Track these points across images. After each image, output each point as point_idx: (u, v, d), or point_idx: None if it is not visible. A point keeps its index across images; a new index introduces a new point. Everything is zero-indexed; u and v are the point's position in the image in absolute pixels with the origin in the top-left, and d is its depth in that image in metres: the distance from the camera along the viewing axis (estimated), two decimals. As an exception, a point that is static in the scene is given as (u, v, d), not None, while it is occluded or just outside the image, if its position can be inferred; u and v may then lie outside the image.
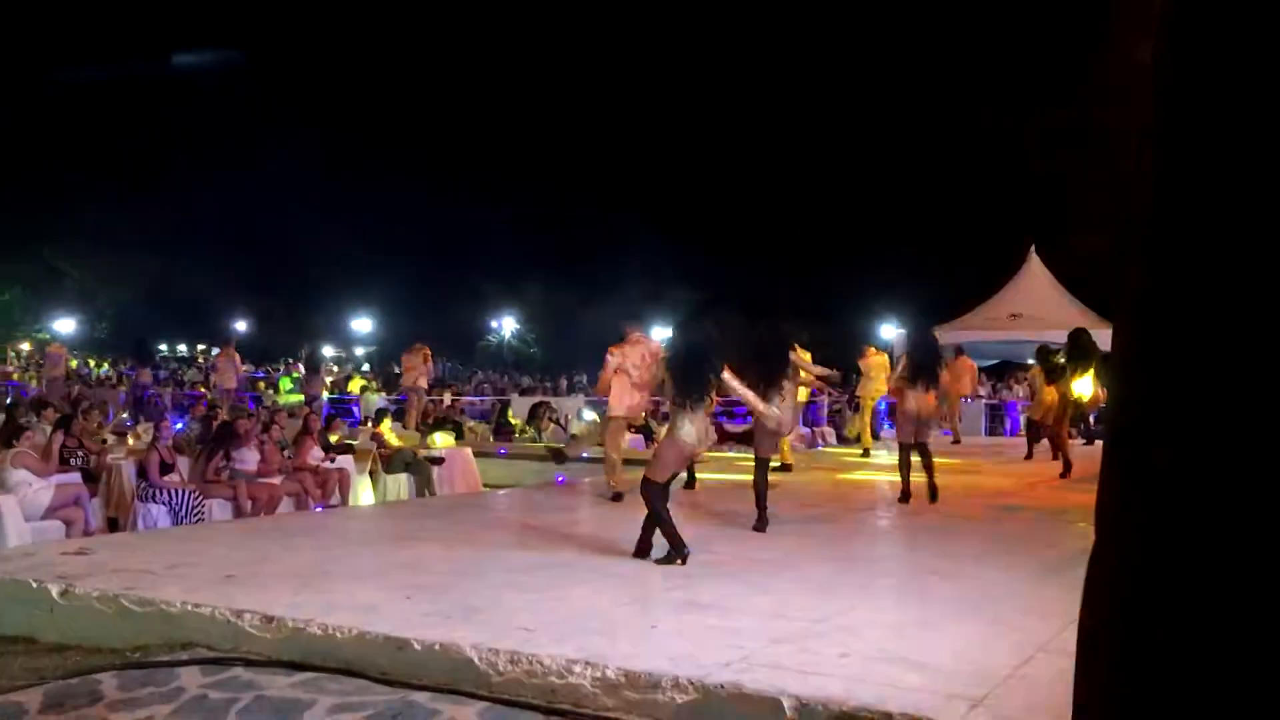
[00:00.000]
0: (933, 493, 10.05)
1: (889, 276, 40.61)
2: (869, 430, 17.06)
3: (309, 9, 49.77)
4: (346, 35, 50.99)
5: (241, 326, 52.66)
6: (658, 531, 6.95)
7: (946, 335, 23.30)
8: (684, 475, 11.54)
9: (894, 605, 5.88)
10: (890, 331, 30.67)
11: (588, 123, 49.12)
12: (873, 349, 17.24)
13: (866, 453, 16.24)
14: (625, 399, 10.15)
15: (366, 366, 42.51)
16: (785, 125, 46.47)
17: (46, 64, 44.55)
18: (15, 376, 28.00)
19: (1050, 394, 14.60)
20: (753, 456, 8.73)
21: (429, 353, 19.90)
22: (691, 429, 6.96)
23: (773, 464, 9.38)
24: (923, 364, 10.17)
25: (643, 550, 7.03)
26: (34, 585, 5.85)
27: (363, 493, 12.88)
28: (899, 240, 43.36)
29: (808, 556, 7.31)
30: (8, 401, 17.15)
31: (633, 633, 5.06)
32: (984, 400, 25.23)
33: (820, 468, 14.23)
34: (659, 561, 6.84)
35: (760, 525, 8.22)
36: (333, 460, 12.41)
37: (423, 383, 19.45)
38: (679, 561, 6.80)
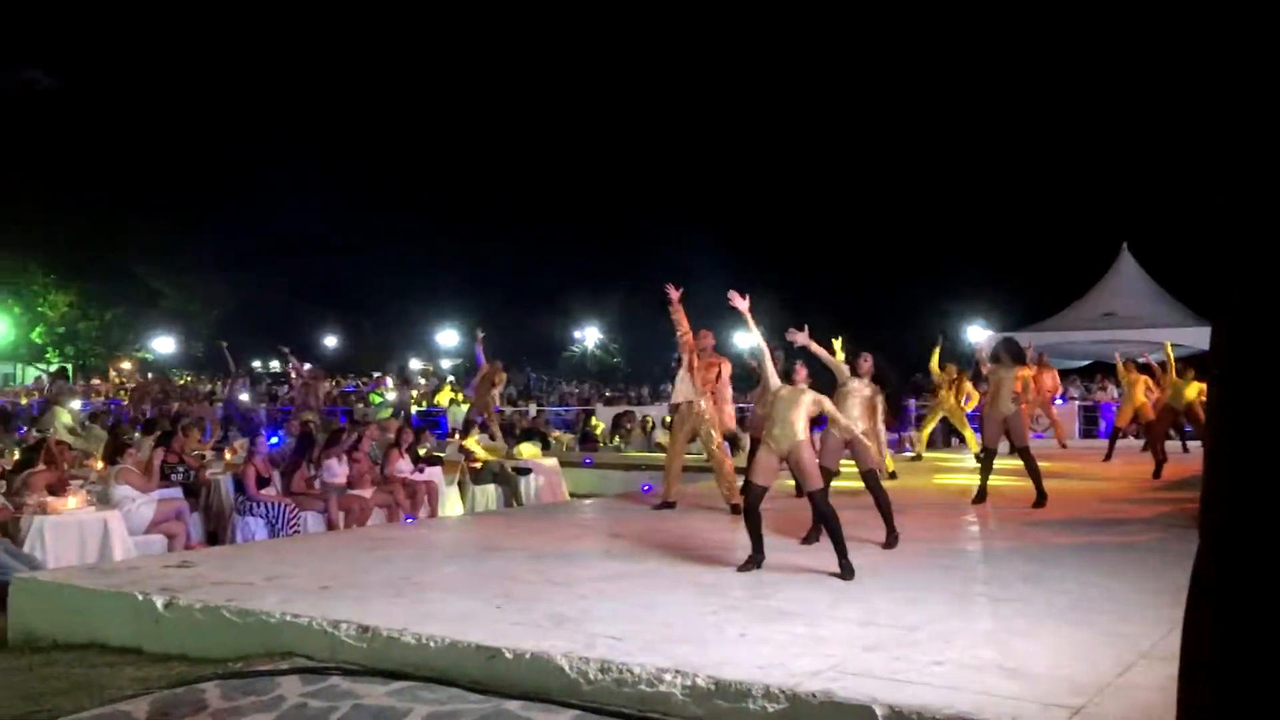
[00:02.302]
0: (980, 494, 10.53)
1: (974, 278, 40.02)
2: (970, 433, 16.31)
3: (395, 43, 50.69)
4: (429, 63, 51.80)
5: (331, 342, 53.76)
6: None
7: (1037, 337, 22.80)
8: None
9: (988, 612, 5.77)
10: (978, 334, 30.11)
11: (669, 134, 49.25)
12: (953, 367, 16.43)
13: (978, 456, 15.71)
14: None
15: (452, 379, 43.09)
16: (870, 128, 45.98)
17: (146, 90, 46.12)
18: (121, 396, 28.88)
19: (1140, 395, 14.31)
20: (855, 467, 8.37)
21: (501, 375, 19.87)
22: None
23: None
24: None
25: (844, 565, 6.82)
26: (139, 598, 6.03)
27: (451, 504, 13.04)
28: (985, 241, 42.70)
29: (897, 563, 7.22)
30: (110, 421, 17.68)
31: (721, 641, 5.05)
32: (1078, 402, 24.65)
33: (908, 472, 14.04)
34: (740, 569, 6.86)
35: (809, 538, 7.98)
36: (422, 472, 12.59)
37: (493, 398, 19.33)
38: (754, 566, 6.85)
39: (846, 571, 6.62)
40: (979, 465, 10.93)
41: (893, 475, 12.66)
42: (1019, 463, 10.57)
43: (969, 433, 15.95)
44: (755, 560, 6.95)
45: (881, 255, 45.22)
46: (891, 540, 7.82)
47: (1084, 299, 26.17)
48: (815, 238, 47.23)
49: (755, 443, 11.87)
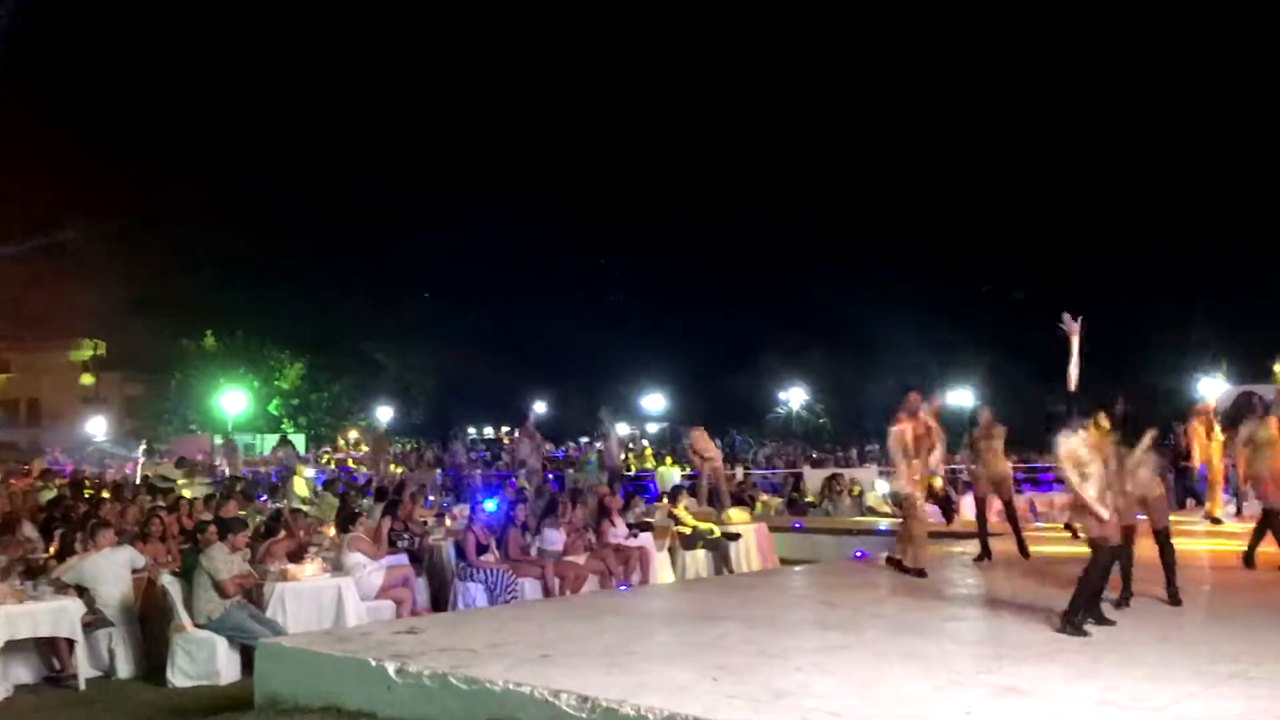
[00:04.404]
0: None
1: (1201, 321, 37.31)
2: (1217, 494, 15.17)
3: (596, 115, 52.45)
4: (625, 132, 53.27)
5: (540, 408, 55.38)
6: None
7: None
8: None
9: (1240, 693, 5.36)
10: (1213, 387, 28.17)
11: (865, 191, 48.74)
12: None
13: (1217, 520, 14.63)
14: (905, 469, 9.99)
15: (645, 444, 43.51)
16: (1086, 154, 43.66)
17: (363, 173, 49.36)
18: (350, 464, 30.43)
19: None
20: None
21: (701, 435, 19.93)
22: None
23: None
24: None
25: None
26: (373, 664, 6.32)
27: (662, 570, 13.10)
28: (1215, 279, 39.64)
29: (1137, 636, 6.81)
30: (340, 489, 18.63)
31: (946, 719, 4.88)
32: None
33: (1147, 535, 13.21)
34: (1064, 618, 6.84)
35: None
36: (633, 537, 12.72)
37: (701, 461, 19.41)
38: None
39: (1074, 626, 6.64)
40: (1210, 527, 10.23)
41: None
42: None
43: (1218, 492, 14.80)
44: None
45: (1092, 294, 42.53)
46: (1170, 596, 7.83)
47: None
48: (1018, 278, 45.11)
49: (980, 502, 11.33)
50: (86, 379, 51.84)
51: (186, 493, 16.32)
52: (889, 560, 10.09)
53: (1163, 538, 8.06)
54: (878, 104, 48.57)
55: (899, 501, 10.53)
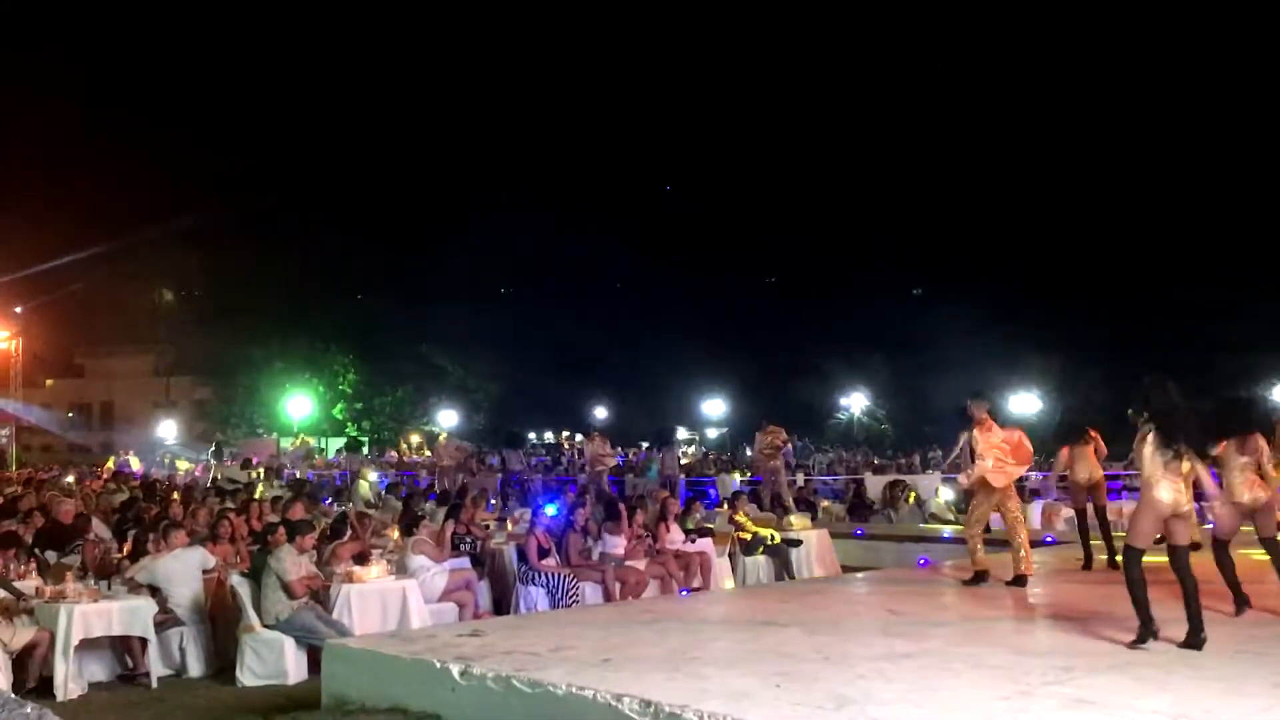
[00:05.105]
0: None
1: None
2: None
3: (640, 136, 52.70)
4: (686, 153, 53.46)
5: (601, 413, 55.60)
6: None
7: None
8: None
9: (1318, 707, 5.23)
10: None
11: (924, 197, 48.22)
12: None
13: None
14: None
15: (692, 445, 43.36)
16: (1161, 157, 42.52)
17: (423, 185, 50.17)
18: (412, 467, 30.71)
19: None
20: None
21: (782, 436, 19.94)
22: (1168, 491, 6.79)
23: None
24: None
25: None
26: (437, 666, 6.38)
27: (723, 576, 13.07)
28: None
29: (1209, 649, 6.65)
30: (402, 493, 18.84)
31: (1015, 730, 4.82)
32: None
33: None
34: (1131, 645, 6.58)
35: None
36: (693, 542, 12.71)
37: (775, 463, 19.47)
38: (1142, 644, 6.55)
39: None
40: None
41: (1195, 546, 11.67)
42: None
43: None
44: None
45: (1169, 299, 41.32)
46: None
47: None
48: (1090, 285, 44.15)
49: (1080, 513, 10.95)
50: (157, 383, 53.17)
51: (265, 493, 16.65)
52: (1021, 579, 9.74)
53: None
54: (940, 106, 48.07)
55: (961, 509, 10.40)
